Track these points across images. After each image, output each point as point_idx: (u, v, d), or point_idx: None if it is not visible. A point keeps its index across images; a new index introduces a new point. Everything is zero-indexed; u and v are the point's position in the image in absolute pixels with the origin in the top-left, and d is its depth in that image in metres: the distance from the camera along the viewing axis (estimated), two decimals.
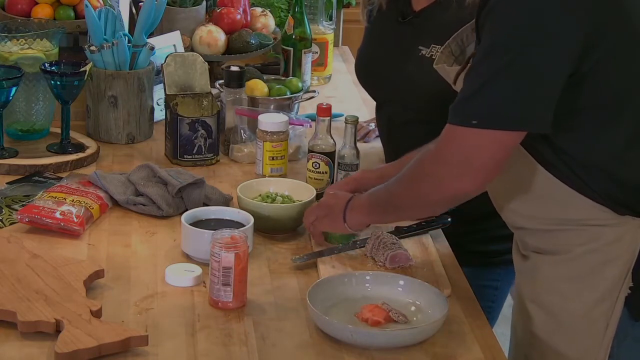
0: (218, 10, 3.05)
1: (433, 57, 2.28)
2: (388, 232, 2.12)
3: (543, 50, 1.67)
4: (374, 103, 2.60)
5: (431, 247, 2.14)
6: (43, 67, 2.46)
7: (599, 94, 1.74)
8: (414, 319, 1.85)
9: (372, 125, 2.77)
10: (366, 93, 2.70)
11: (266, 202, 2.19)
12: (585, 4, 1.69)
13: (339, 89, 3.20)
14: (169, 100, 2.52)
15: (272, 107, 2.62)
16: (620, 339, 1.84)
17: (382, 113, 2.53)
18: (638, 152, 1.80)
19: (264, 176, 2.38)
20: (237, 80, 2.57)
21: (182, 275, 1.95)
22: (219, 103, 2.57)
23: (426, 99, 2.33)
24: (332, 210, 2.04)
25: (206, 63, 2.59)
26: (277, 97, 2.66)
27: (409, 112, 2.40)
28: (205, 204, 2.22)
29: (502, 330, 2.49)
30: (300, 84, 2.75)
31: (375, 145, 2.72)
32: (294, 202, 2.20)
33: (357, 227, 2.03)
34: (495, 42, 1.71)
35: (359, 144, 2.39)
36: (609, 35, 1.71)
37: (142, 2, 2.69)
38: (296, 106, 2.72)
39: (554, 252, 1.86)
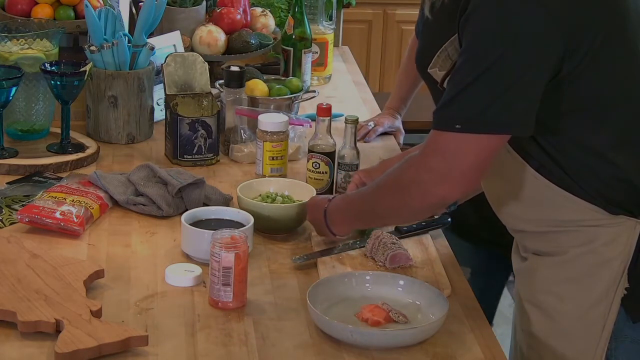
0: (218, 10, 3.05)
1: None
2: (388, 232, 2.12)
3: (522, 54, 1.68)
4: (374, 103, 2.60)
5: (431, 247, 2.14)
6: (43, 67, 2.46)
7: (582, 96, 1.75)
8: (414, 319, 1.85)
9: (372, 125, 2.76)
10: (366, 93, 2.70)
11: (266, 202, 2.19)
12: (563, 9, 1.69)
13: (339, 89, 3.20)
14: (169, 100, 2.52)
15: (272, 107, 2.62)
16: (618, 340, 1.84)
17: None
18: (625, 152, 1.80)
19: (264, 176, 2.38)
20: (237, 80, 2.57)
21: (182, 275, 1.95)
22: (219, 103, 2.57)
23: None
24: (319, 226, 2.09)
25: (206, 63, 2.59)
26: (277, 97, 2.66)
27: None
28: (205, 204, 2.22)
29: (502, 330, 2.50)
30: (300, 84, 2.75)
31: (375, 145, 2.72)
32: (294, 202, 2.20)
33: (346, 233, 2.07)
34: (475, 47, 1.71)
35: (359, 144, 2.39)
36: (589, 40, 1.71)
37: (142, 2, 2.69)
38: (296, 106, 2.72)
39: (551, 254, 1.87)
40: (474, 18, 1.71)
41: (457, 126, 1.71)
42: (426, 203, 1.81)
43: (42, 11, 2.83)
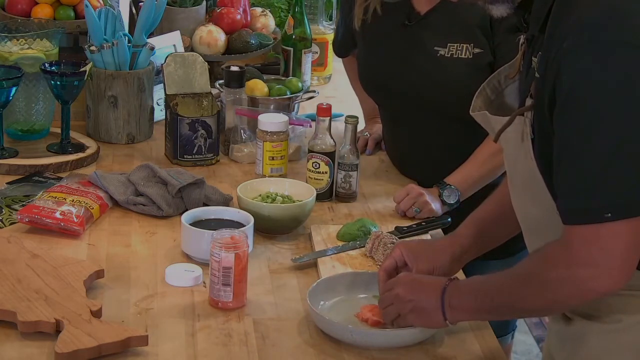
0: (218, 10, 3.05)
1: (454, 56, 2.33)
2: (388, 232, 2.12)
3: None
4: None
5: None
6: (43, 67, 2.46)
7: None
8: None
9: (367, 134, 2.72)
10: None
11: (266, 202, 2.19)
12: None
13: (339, 89, 3.20)
14: (169, 100, 2.52)
15: (272, 107, 2.62)
16: None
17: (390, 113, 2.52)
18: None
19: (264, 176, 2.38)
20: (237, 80, 2.57)
21: (182, 275, 1.95)
22: (219, 103, 2.57)
23: (444, 96, 2.35)
24: (423, 308, 1.78)
25: (206, 63, 2.59)
26: (277, 97, 2.66)
27: (421, 110, 2.40)
28: (205, 204, 2.22)
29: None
30: (300, 84, 2.75)
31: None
32: (294, 202, 2.20)
33: (459, 321, 1.83)
34: (592, 124, 1.56)
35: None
36: None
37: (142, 2, 2.69)
38: (296, 106, 2.72)
39: (602, 320, 1.73)
40: (580, 99, 1.55)
41: (607, 215, 1.57)
42: (583, 299, 1.67)
43: (42, 11, 2.83)
